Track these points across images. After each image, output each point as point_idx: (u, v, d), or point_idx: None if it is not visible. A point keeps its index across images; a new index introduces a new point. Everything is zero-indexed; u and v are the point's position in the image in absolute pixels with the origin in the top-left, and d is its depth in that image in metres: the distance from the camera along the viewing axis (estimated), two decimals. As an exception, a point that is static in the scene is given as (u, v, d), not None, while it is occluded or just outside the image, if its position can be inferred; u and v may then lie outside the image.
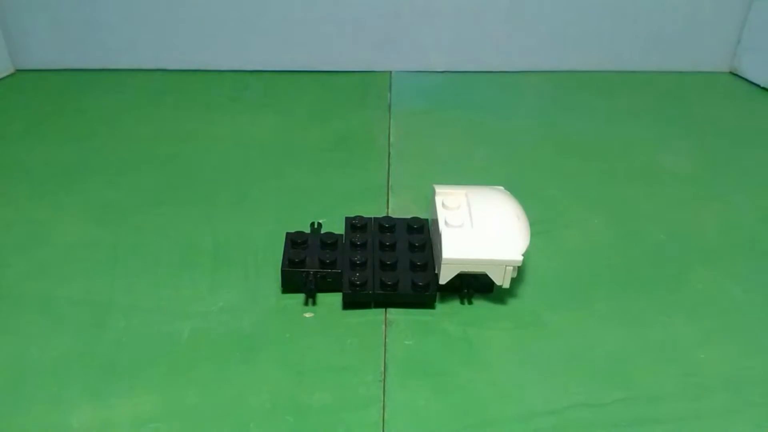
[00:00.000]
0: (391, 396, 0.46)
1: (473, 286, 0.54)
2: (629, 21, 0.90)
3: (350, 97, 0.85)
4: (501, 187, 0.59)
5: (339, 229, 0.58)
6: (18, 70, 0.89)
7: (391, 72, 0.91)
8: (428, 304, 0.53)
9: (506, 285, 0.53)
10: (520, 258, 0.51)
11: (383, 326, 0.52)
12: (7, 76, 0.88)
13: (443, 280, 0.52)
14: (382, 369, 0.48)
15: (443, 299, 0.54)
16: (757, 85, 0.90)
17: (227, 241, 0.60)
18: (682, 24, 0.91)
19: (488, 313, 0.53)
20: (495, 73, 0.92)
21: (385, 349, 0.50)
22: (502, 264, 0.51)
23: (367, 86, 0.88)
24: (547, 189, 0.69)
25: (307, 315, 0.53)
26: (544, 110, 0.84)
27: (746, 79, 0.92)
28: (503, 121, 0.81)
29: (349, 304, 0.53)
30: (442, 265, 0.51)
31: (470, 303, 0.54)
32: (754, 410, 0.46)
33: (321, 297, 0.54)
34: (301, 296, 0.54)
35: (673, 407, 0.46)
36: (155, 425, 0.44)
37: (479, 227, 0.52)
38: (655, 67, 0.93)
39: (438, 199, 0.55)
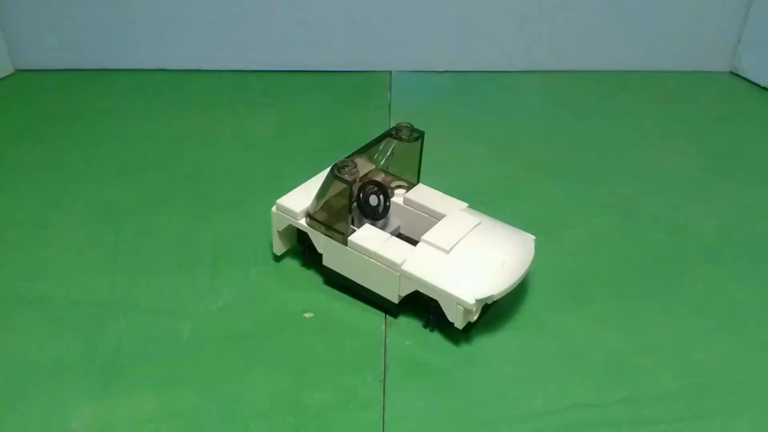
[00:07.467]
0: (391, 396, 0.46)
1: (435, 314, 0.50)
2: (629, 21, 0.90)
3: (350, 97, 0.85)
4: (532, 237, 0.54)
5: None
6: (18, 70, 0.89)
7: (391, 72, 0.91)
8: (390, 312, 0.53)
9: (458, 325, 0.49)
10: (472, 302, 0.47)
11: (383, 326, 0.52)
12: (7, 76, 0.88)
13: (402, 291, 0.51)
14: (382, 369, 0.48)
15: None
16: (757, 85, 0.90)
17: (227, 241, 0.60)
18: (682, 24, 0.90)
19: (488, 313, 0.53)
20: (495, 73, 0.92)
21: (385, 349, 0.50)
22: (453, 300, 0.48)
23: (367, 86, 0.88)
24: (547, 189, 0.69)
25: (307, 315, 0.53)
26: (544, 110, 0.84)
27: (746, 79, 0.91)
28: (503, 121, 0.81)
29: (328, 282, 0.54)
30: (401, 276, 0.50)
31: (431, 330, 0.52)
32: (754, 410, 0.46)
33: (321, 297, 0.54)
34: (301, 296, 0.54)
35: (673, 407, 0.46)
36: (155, 425, 0.44)
37: (455, 254, 0.50)
38: (655, 67, 0.93)
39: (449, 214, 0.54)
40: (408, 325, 0.52)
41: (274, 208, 0.55)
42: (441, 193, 0.57)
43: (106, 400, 0.45)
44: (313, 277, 0.56)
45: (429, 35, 0.90)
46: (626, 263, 0.59)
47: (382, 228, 0.55)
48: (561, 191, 0.68)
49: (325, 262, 0.54)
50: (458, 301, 0.48)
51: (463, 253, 0.50)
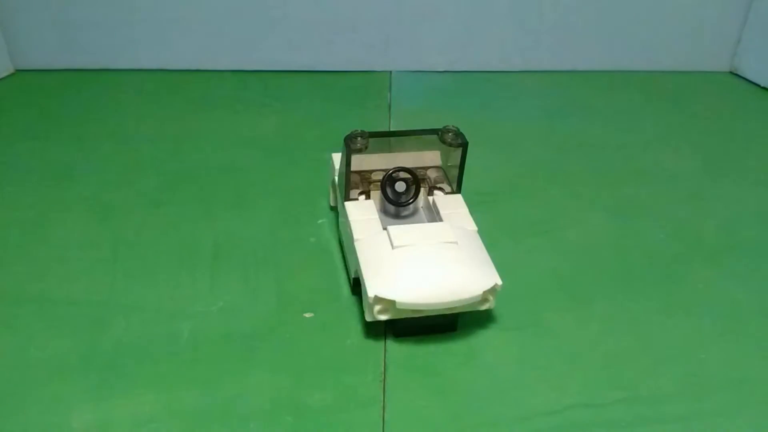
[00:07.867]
0: (391, 396, 0.46)
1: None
2: (629, 21, 0.90)
3: (350, 97, 0.85)
4: (496, 280, 0.49)
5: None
6: (18, 70, 0.89)
7: (391, 72, 0.91)
8: (351, 289, 0.54)
9: (367, 316, 0.49)
10: (372, 295, 0.47)
11: (383, 326, 0.52)
12: (7, 76, 0.88)
13: (356, 267, 0.51)
14: (382, 369, 0.48)
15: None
16: (757, 85, 0.90)
17: (227, 241, 0.60)
18: (682, 24, 0.91)
19: (488, 314, 0.53)
20: (495, 73, 0.92)
21: (385, 349, 0.50)
22: (364, 288, 0.48)
23: (367, 86, 0.88)
24: (547, 189, 0.69)
25: (307, 315, 0.53)
26: (544, 110, 0.84)
27: (746, 79, 0.92)
28: (503, 121, 0.81)
29: (339, 243, 0.58)
30: (354, 252, 0.51)
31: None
32: (754, 410, 0.46)
33: (320, 297, 0.54)
34: (300, 297, 0.54)
35: (673, 407, 0.46)
36: (155, 425, 0.44)
37: (399, 253, 0.49)
38: (655, 67, 0.93)
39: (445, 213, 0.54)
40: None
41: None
42: (466, 211, 0.54)
43: (106, 400, 0.45)
44: (313, 277, 0.56)
45: (429, 35, 0.90)
46: (626, 263, 0.59)
47: (408, 219, 0.56)
48: (561, 191, 0.68)
49: (339, 221, 0.58)
50: (365, 291, 0.48)
51: (405, 255, 0.49)
